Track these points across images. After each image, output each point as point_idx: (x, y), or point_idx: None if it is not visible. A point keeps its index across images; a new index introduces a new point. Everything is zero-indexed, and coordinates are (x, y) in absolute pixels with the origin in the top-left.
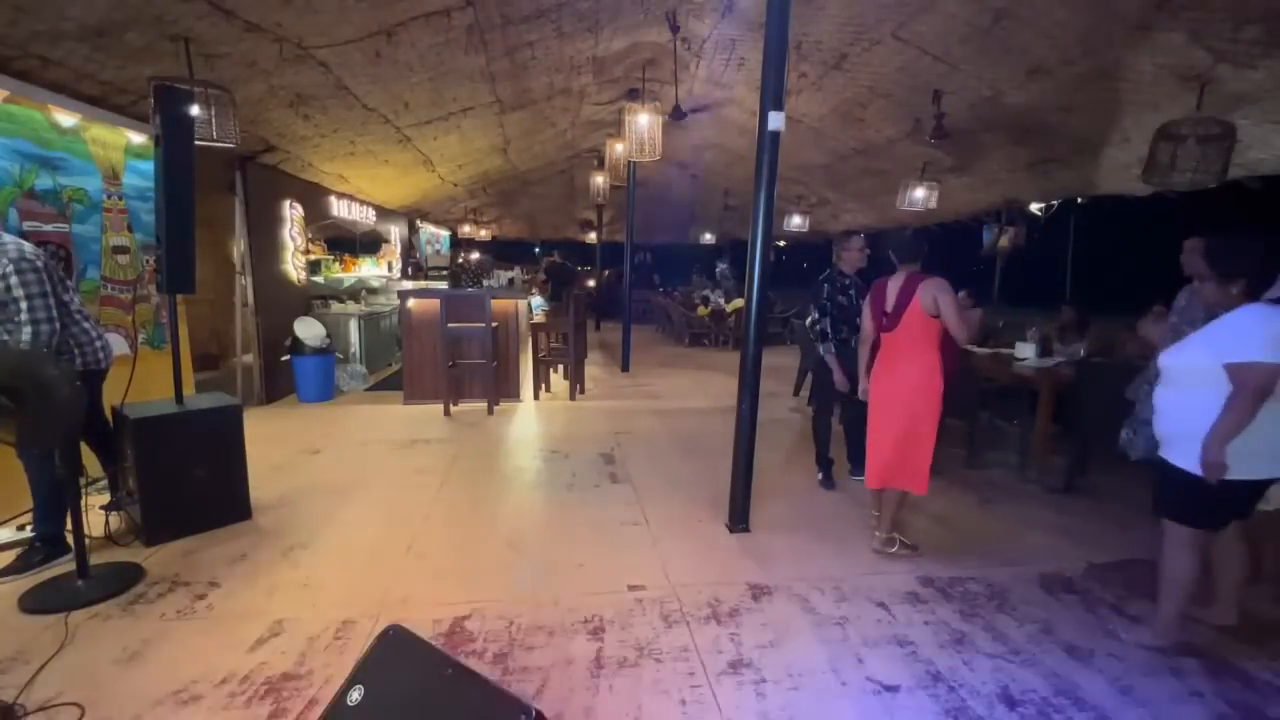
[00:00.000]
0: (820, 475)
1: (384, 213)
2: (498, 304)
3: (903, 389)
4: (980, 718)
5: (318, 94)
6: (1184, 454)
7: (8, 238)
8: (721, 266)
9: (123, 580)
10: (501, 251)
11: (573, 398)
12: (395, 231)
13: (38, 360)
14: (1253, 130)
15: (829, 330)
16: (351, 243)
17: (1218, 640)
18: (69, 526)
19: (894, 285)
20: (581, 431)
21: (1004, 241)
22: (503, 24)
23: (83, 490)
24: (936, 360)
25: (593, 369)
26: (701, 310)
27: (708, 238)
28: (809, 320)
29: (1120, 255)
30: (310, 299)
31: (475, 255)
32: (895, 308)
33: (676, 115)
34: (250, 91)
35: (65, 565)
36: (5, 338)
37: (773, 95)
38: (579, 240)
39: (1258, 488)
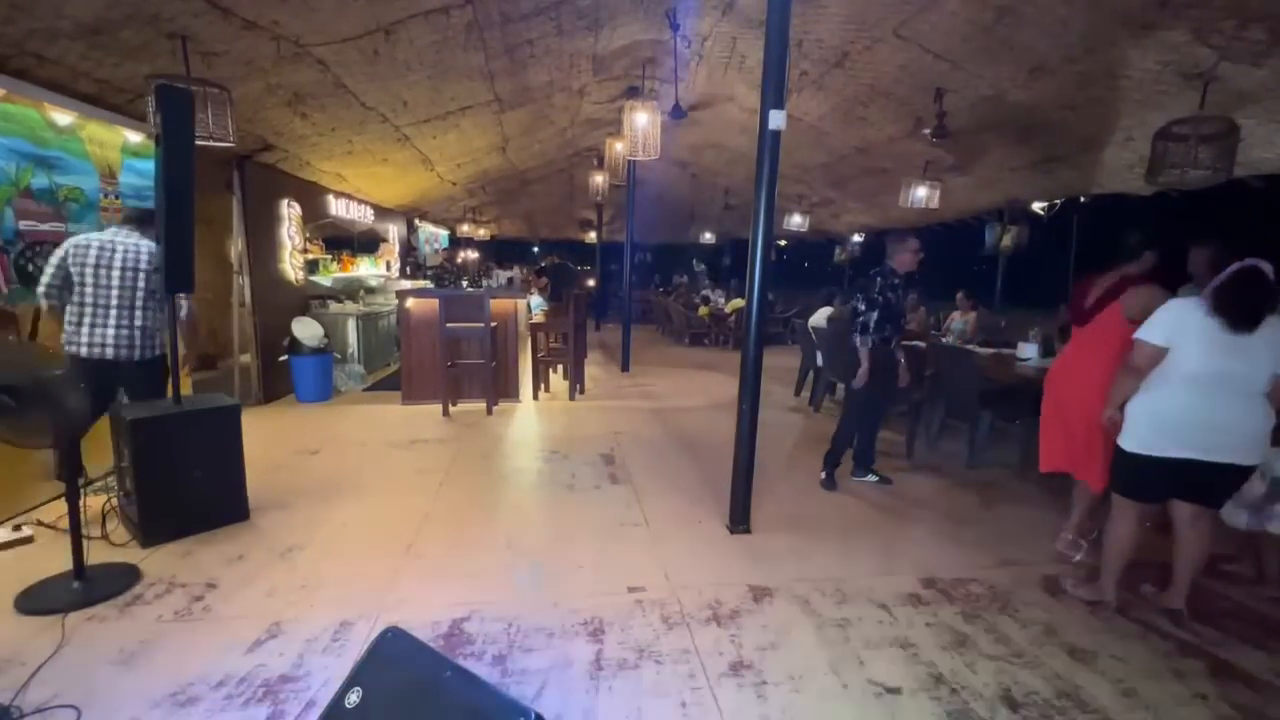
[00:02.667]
0: (824, 474)
1: (382, 212)
2: (497, 304)
3: (1078, 384)
4: None
5: (316, 92)
6: (1123, 431)
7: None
8: (700, 266)
9: (120, 581)
10: (501, 251)
11: (572, 398)
12: (394, 231)
13: (40, 360)
14: (1256, 129)
15: (872, 324)
16: (349, 242)
17: (1222, 642)
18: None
19: (1102, 281)
20: (581, 432)
21: (1006, 241)
22: (502, 22)
23: (81, 490)
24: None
25: (593, 369)
26: (703, 310)
27: (708, 237)
28: (859, 308)
29: (1123, 255)
30: (308, 298)
31: (474, 255)
32: (1095, 303)
33: (676, 114)
34: (248, 90)
35: (61, 566)
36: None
37: (773, 94)
38: (579, 240)
39: (1180, 466)
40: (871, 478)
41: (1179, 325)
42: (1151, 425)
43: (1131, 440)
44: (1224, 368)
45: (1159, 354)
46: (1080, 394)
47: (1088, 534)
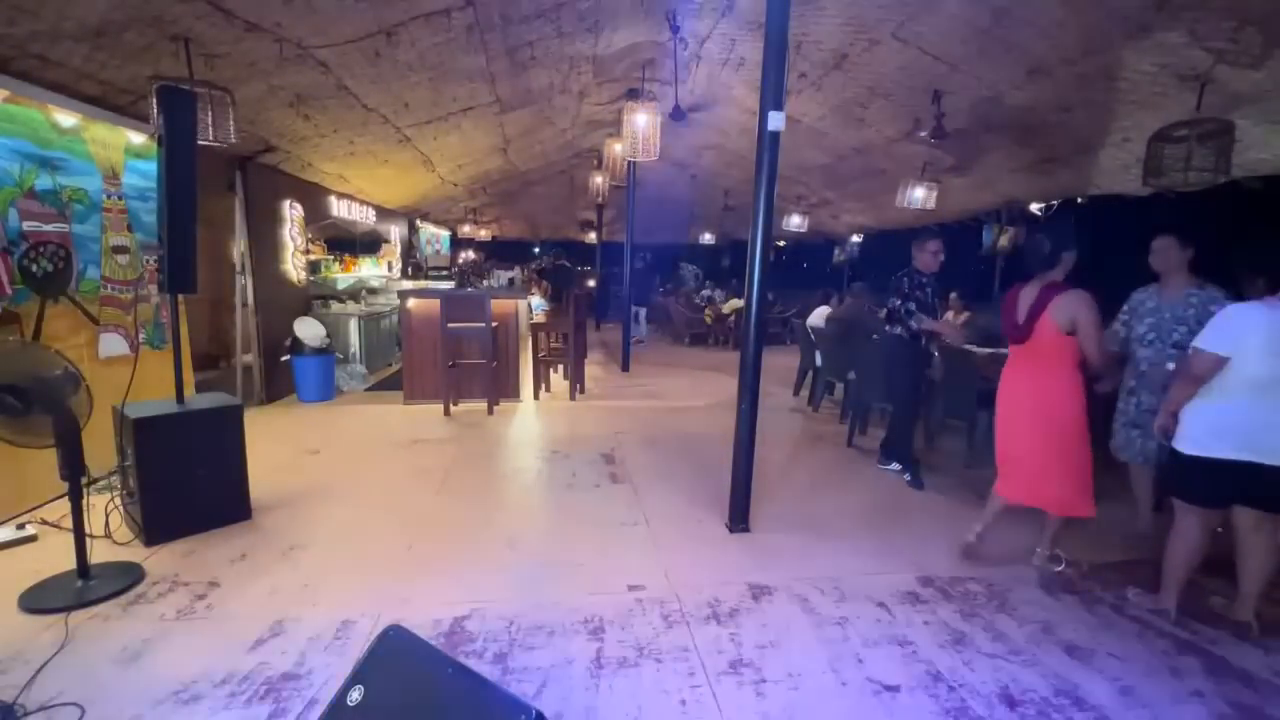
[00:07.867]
0: (906, 476)
1: (384, 213)
2: (498, 304)
3: (1035, 405)
4: (980, 718)
5: (317, 94)
6: (1177, 434)
7: None
8: (689, 267)
9: (123, 580)
10: (501, 252)
11: (573, 397)
12: (395, 231)
13: (43, 361)
14: (1252, 130)
15: (906, 312)
16: (351, 243)
17: (1218, 639)
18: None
19: (1027, 294)
20: (581, 431)
21: (1004, 241)
22: (502, 24)
23: (84, 489)
24: (1075, 377)
25: (593, 369)
26: (707, 313)
27: (708, 238)
28: (895, 305)
29: (1120, 255)
30: (310, 299)
31: (472, 255)
32: (1026, 319)
33: (676, 115)
34: (250, 91)
35: (64, 565)
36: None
37: (773, 95)
38: (579, 240)
39: (1239, 470)
40: (895, 466)
41: (1242, 332)
42: (1208, 428)
43: (1188, 443)
44: None
45: (1220, 363)
46: (1036, 415)
47: (1057, 543)
